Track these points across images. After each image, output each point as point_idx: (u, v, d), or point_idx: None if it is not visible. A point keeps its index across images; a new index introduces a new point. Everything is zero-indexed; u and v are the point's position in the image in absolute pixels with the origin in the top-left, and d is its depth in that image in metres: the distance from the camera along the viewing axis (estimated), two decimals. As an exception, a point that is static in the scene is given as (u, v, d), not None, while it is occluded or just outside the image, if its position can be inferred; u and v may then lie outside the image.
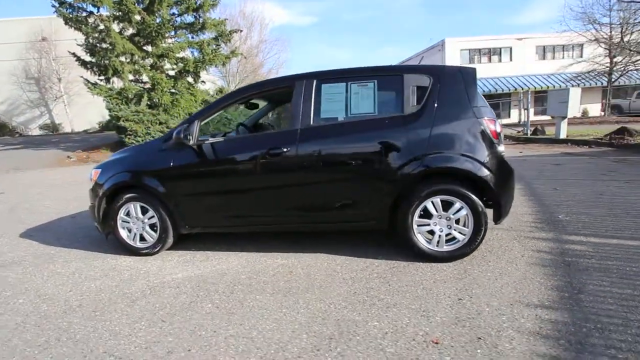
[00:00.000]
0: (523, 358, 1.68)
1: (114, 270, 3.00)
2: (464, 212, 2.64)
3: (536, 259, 2.72)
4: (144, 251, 3.24)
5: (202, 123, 3.11)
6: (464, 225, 2.67)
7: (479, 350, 1.75)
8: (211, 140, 3.06)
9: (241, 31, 17.56)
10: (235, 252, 3.24)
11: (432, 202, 2.67)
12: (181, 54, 16.07)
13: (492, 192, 2.62)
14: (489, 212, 2.75)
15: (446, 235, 2.70)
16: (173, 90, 16.01)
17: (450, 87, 2.69)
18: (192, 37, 16.29)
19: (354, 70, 2.94)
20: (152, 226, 3.21)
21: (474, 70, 2.79)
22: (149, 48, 15.38)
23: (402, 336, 1.89)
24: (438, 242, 2.71)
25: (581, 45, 22.56)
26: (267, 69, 29.39)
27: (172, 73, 16.03)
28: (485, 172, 2.59)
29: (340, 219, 2.87)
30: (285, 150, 2.80)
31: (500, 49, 25.49)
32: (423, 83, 2.74)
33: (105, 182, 3.22)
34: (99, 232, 3.46)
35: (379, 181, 2.71)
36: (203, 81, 18.54)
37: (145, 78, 15.76)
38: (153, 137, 14.11)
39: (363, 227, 2.89)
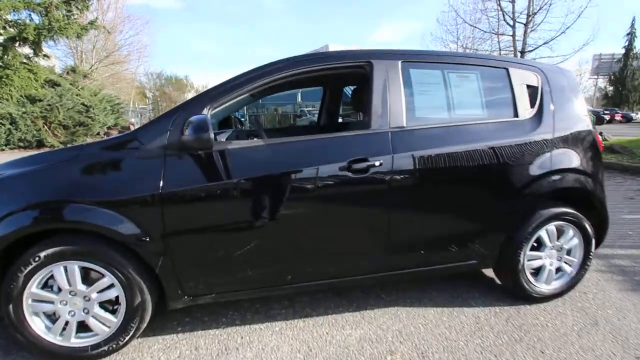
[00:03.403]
0: None
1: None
2: (576, 240, 2.20)
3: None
4: (93, 352, 1.69)
5: (212, 113, 1.80)
6: (572, 256, 2.24)
7: None
8: (238, 144, 1.78)
9: (105, -1, 13.98)
10: (258, 324, 2.02)
11: (546, 231, 2.14)
12: (14, 17, 11.75)
13: (602, 214, 2.25)
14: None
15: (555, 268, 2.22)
16: (0, 63, 11.61)
17: (561, 88, 2.20)
18: (31, -4, 12.11)
19: (448, 54, 2.20)
20: (105, 305, 1.70)
21: (571, 72, 2.39)
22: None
23: None
24: (547, 277, 2.20)
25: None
26: (125, 50, 24.56)
27: (-3, 40, 11.57)
28: (603, 193, 2.22)
29: (438, 262, 2.04)
30: (376, 163, 1.81)
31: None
32: (532, 81, 2.17)
33: (-4, 225, 1.54)
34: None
35: (498, 207, 2.02)
36: (46, 55, 14.16)
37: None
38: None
39: (459, 269, 2.13)
